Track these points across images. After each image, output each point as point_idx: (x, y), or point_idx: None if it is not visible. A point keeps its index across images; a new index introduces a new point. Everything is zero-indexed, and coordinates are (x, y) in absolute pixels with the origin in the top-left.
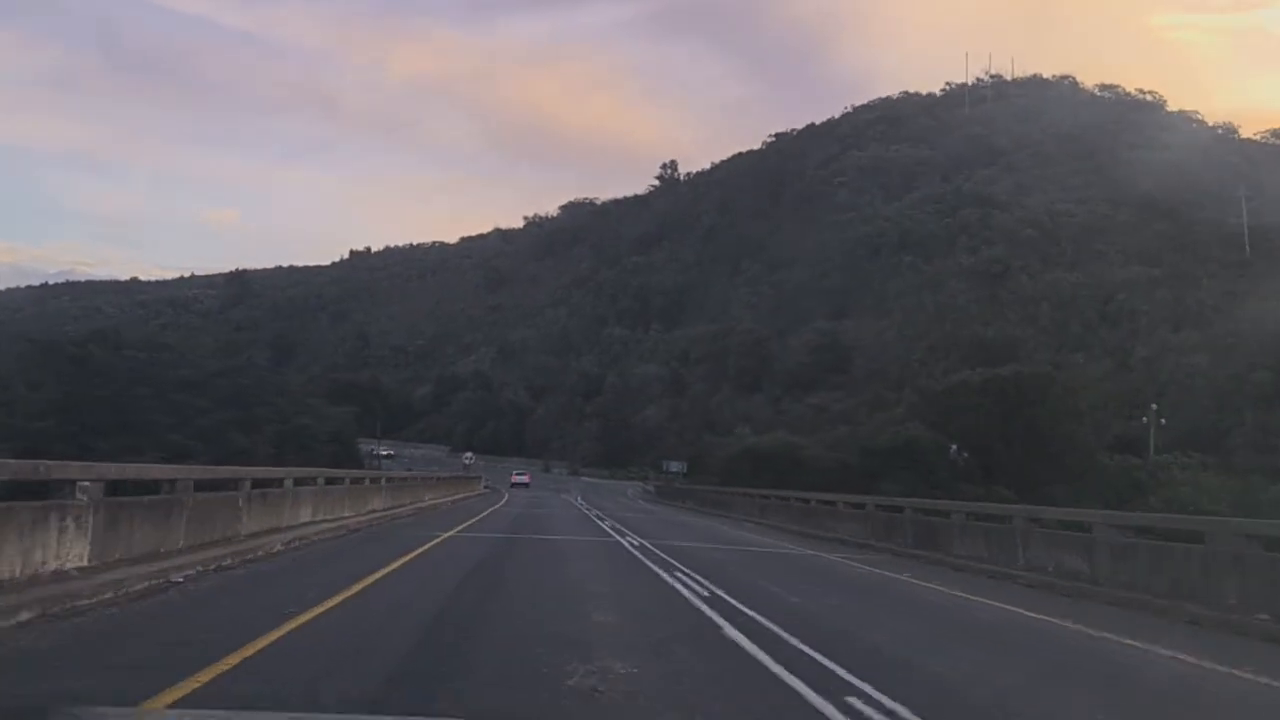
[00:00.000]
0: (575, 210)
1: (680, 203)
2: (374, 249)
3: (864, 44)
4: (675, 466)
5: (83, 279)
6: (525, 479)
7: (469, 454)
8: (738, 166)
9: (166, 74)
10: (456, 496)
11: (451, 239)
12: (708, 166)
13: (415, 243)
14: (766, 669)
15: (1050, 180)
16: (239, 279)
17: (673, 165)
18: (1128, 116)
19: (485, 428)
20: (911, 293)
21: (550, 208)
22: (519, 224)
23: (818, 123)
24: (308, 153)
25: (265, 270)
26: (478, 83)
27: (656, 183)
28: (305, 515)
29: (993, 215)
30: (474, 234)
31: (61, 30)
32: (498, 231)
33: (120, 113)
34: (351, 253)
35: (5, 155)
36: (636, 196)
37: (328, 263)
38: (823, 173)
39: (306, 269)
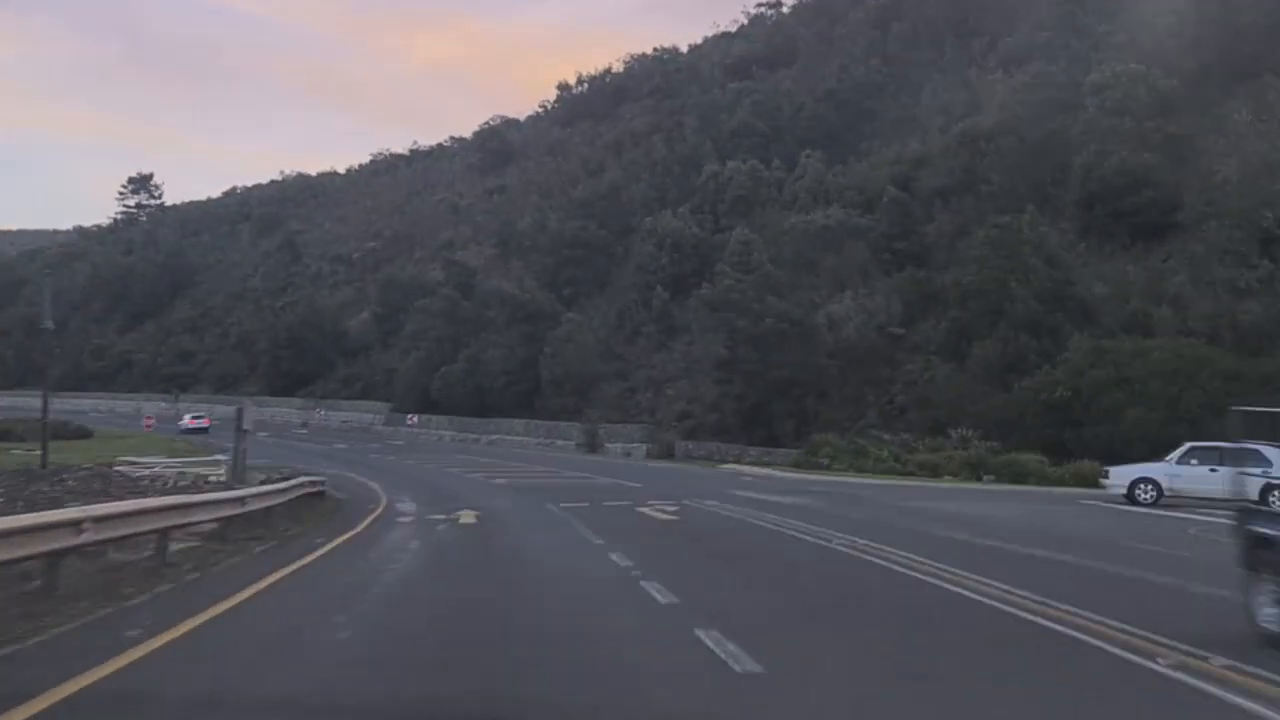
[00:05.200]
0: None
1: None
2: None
3: None
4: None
5: None
6: (205, 422)
7: (413, 416)
8: None
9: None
10: None
11: (432, 140)
12: None
13: (383, 151)
14: None
15: None
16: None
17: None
18: None
19: (462, 371)
20: None
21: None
22: (531, 108)
23: None
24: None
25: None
26: None
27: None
28: None
29: None
30: (469, 129)
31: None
32: (500, 119)
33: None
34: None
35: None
36: (724, 35)
37: (266, 180)
38: None
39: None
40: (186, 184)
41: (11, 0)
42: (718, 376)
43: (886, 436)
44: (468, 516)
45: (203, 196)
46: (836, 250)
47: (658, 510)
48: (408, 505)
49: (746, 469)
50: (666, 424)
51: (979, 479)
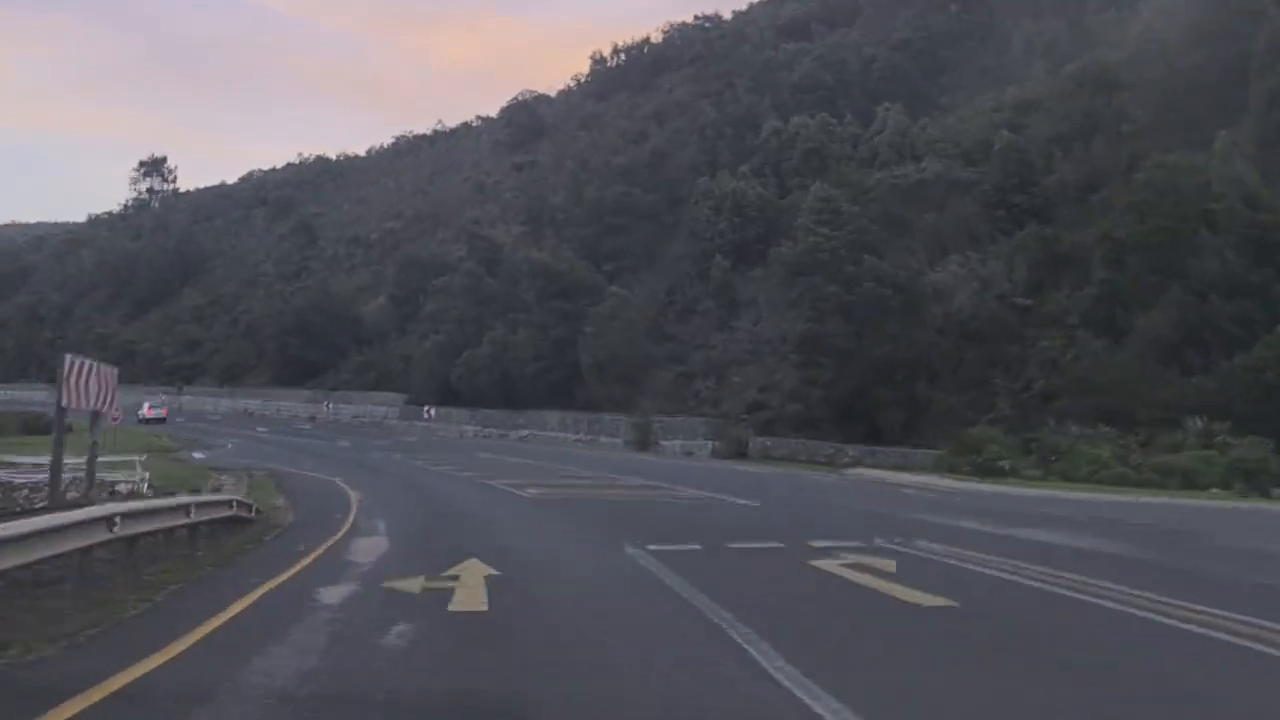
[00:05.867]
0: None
1: None
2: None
3: None
4: None
5: None
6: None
7: (429, 409)
8: None
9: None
10: None
11: (457, 119)
12: None
13: (406, 132)
14: None
15: None
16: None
17: None
18: None
19: (487, 356)
20: None
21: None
22: (561, 84)
23: None
24: None
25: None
26: None
27: None
28: None
29: None
30: (494, 108)
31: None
32: (529, 95)
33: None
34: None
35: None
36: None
37: (281, 164)
38: None
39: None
40: (204, 176)
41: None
42: (799, 358)
43: (1084, 432)
44: (471, 581)
45: (217, 182)
46: (937, 208)
47: (854, 566)
48: (372, 545)
49: (888, 476)
50: (735, 416)
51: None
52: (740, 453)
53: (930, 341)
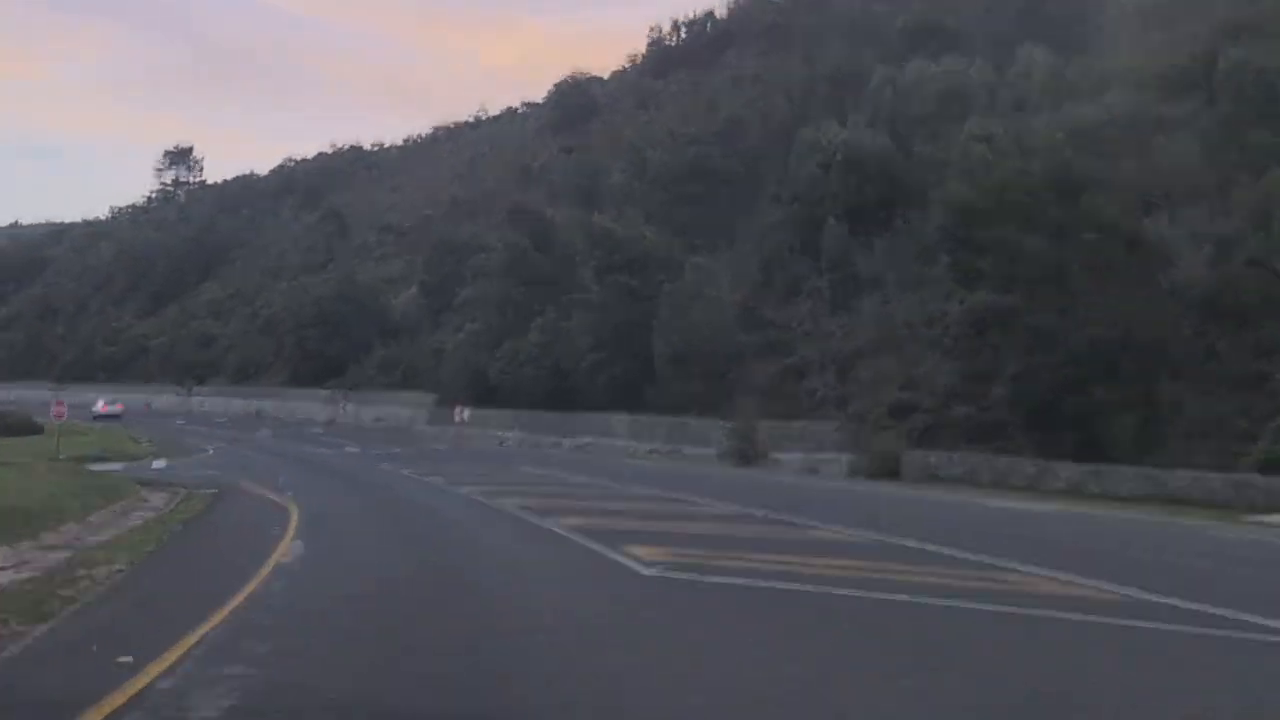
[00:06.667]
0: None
1: None
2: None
3: None
4: None
5: None
6: (119, 408)
7: (462, 409)
8: None
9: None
10: None
11: (501, 106)
12: None
13: (445, 122)
14: None
15: None
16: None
17: None
18: None
19: (534, 347)
20: None
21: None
22: (614, 65)
23: None
24: None
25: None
26: None
27: None
28: None
29: None
30: (539, 94)
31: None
32: (580, 75)
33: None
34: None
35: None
36: None
37: (313, 154)
38: None
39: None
40: (234, 170)
41: (71, 5)
42: (964, 343)
43: None
44: None
45: (246, 171)
46: (1133, 154)
47: None
48: None
49: None
50: (875, 421)
51: None
52: (890, 471)
53: (1165, 319)
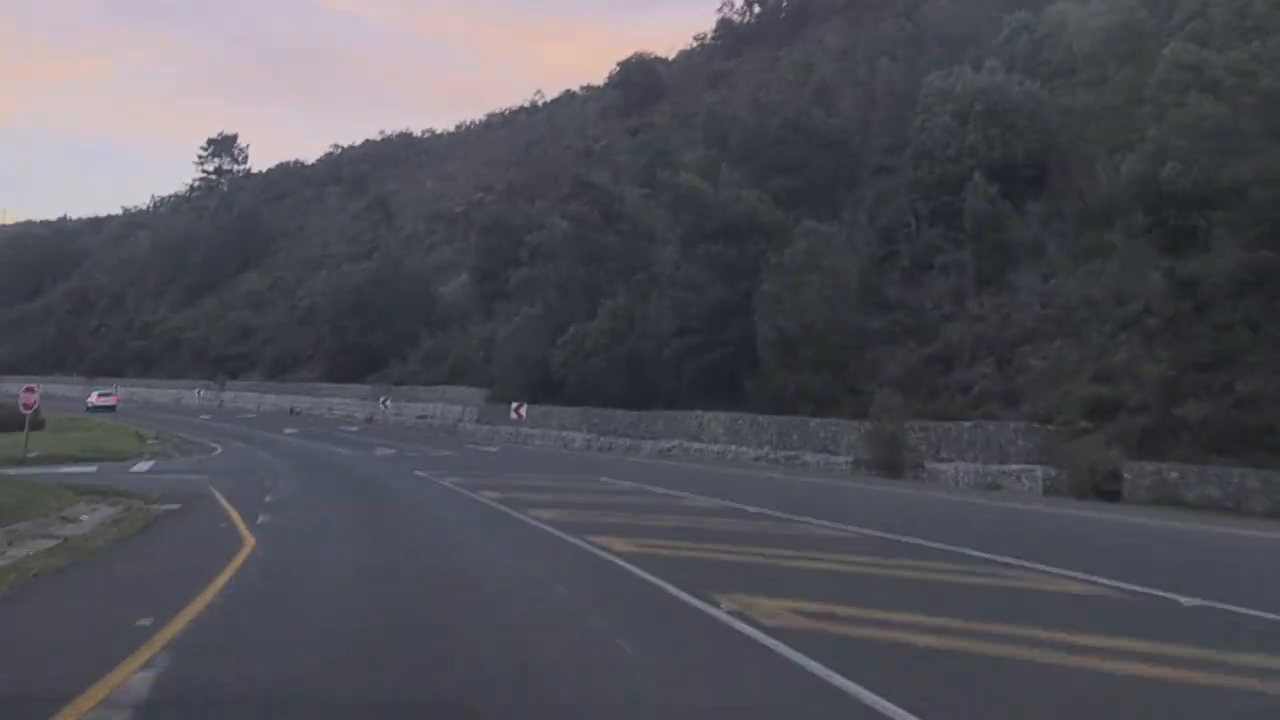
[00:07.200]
0: None
1: None
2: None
3: None
4: None
5: None
6: (113, 400)
7: (519, 406)
8: None
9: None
10: None
11: (558, 90)
12: None
13: (500, 109)
14: None
15: None
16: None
17: None
18: None
19: (604, 333)
20: None
21: None
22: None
23: None
24: None
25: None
26: None
27: None
28: None
29: None
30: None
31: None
32: (645, 55)
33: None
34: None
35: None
36: None
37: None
38: None
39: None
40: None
41: (139, 9)
42: (1185, 325)
43: None
44: None
45: (291, 160)
46: None
47: None
48: None
49: None
50: (1068, 425)
51: None
52: (1104, 489)
53: None
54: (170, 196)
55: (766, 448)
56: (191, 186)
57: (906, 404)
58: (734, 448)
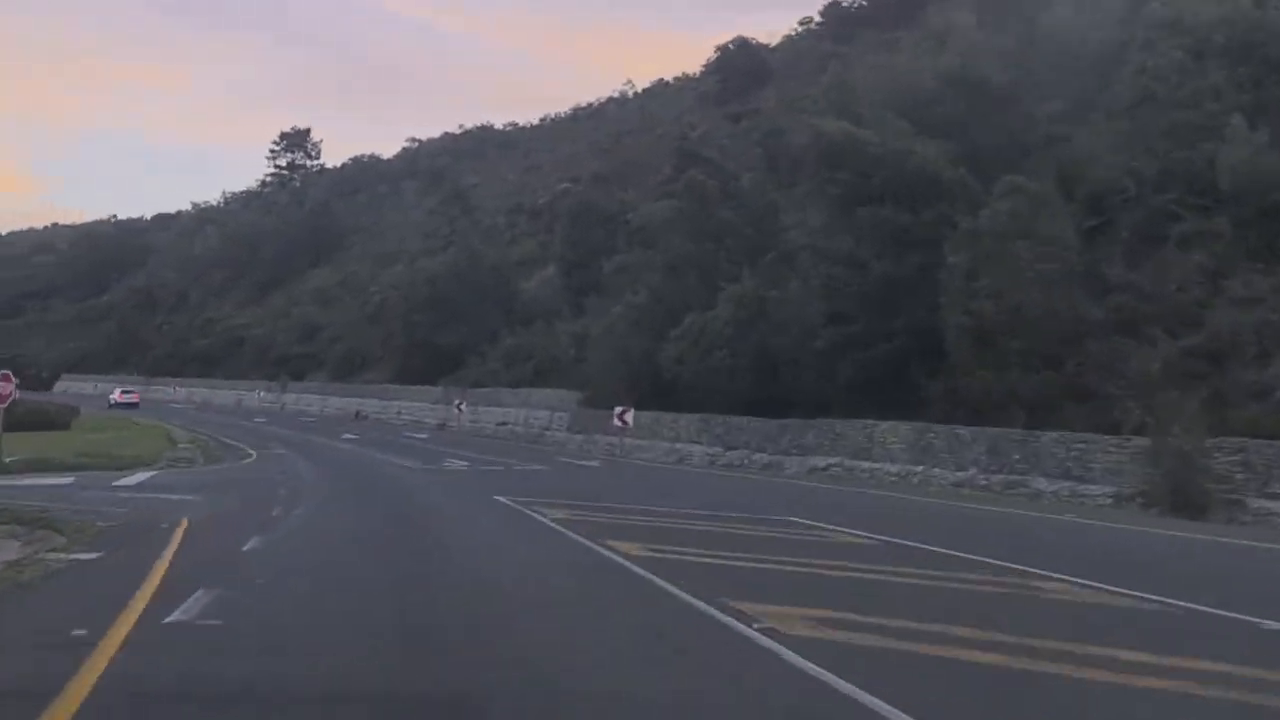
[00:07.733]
0: None
1: None
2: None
3: None
4: None
5: None
6: (135, 398)
7: (624, 412)
8: None
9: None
10: None
11: (650, 79)
12: None
13: (591, 101)
14: None
15: None
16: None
17: None
18: None
19: (727, 326)
20: None
21: None
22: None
23: None
24: None
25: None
26: None
27: None
28: None
29: None
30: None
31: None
32: (745, 41)
33: None
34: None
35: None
36: None
37: (438, 134)
38: None
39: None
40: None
41: (211, 19)
42: None
43: None
44: None
45: (365, 154)
46: None
47: None
48: None
49: None
50: None
51: None
52: None
53: None
54: (241, 192)
55: (972, 469)
56: (263, 182)
57: (1199, 414)
58: (920, 469)
